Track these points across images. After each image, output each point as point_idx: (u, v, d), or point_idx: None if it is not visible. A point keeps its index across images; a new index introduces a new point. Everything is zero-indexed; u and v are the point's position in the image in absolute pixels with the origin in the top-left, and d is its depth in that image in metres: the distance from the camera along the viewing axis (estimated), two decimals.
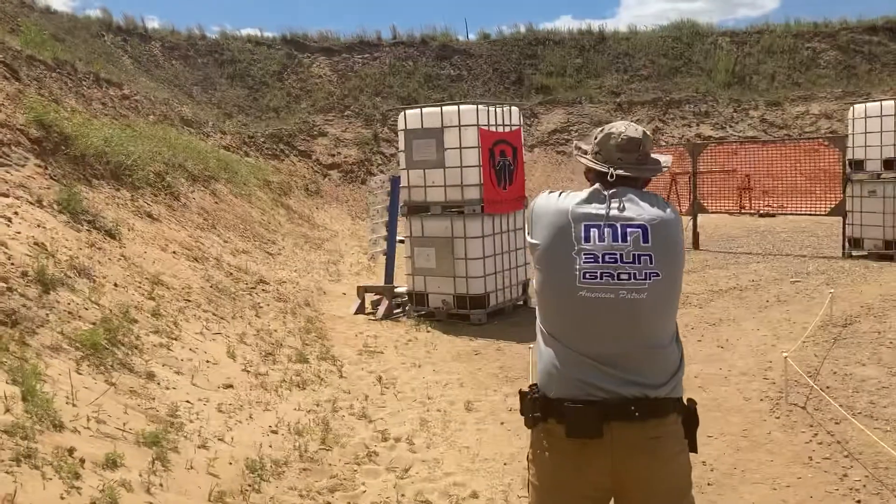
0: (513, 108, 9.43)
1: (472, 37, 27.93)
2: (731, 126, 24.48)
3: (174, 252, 8.33)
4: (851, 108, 12.75)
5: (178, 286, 7.22)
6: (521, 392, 2.47)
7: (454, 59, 26.22)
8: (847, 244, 12.49)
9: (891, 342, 7.12)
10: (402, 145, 9.19)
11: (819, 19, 28.16)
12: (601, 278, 2.26)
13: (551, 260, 2.35)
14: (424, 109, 9.00)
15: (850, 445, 4.81)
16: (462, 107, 8.70)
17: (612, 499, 2.38)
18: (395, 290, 9.33)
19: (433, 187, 8.85)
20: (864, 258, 12.04)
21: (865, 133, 12.05)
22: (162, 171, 11.03)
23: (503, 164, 8.96)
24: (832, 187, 13.91)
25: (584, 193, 2.37)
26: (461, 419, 5.61)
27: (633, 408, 2.24)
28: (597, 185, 2.39)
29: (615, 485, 2.30)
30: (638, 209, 2.31)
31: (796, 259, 12.31)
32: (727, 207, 16.72)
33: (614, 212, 2.30)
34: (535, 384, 2.42)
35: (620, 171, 2.37)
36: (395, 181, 9.87)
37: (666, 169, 2.53)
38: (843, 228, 12.64)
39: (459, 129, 8.60)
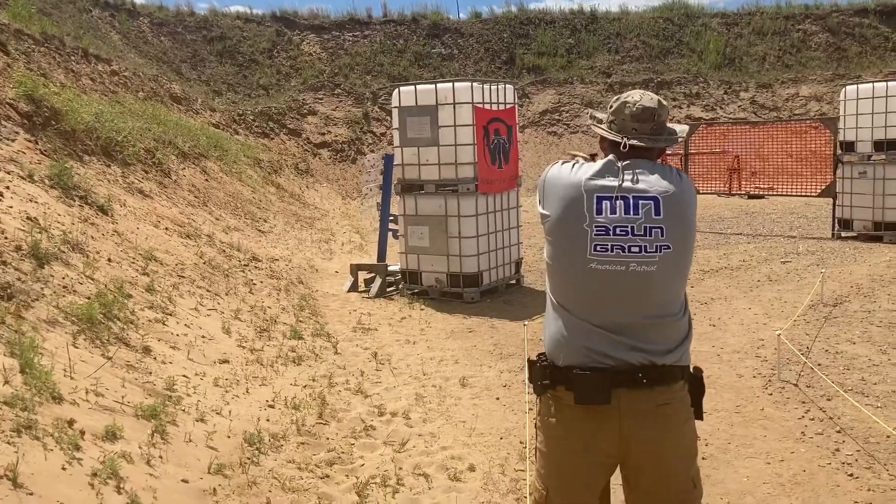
0: (507, 85, 9.39)
1: (463, 16, 27.85)
2: (721, 108, 24.49)
3: (166, 229, 8.29)
4: (843, 89, 12.79)
5: (171, 262, 7.19)
6: (529, 360, 2.50)
7: (445, 37, 26.06)
8: (836, 225, 12.57)
9: (880, 321, 7.19)
10: (395, 123, 9.14)
11: (810, 1, 28.18)
12: (612, 251, 2.27)
13: (562, 231, 2.35)
14: (419, 86, 8.94)
15: (842, 421, 4.87)
16: (457, 84, 8.66)
17: (619, 465, 2.41)
18: (389, 268, 9.32)
19: (427, 165, 8.82)
20: (853, 239, 12.13)
21: (857, 115, 12.09)
22: (152, 148, 10.95)
23: (497, 142, 8.94)
24: (822, 169, 13.98)
25: (598, 165, 2.36)
26: (457, 395, 5.63)
27: (640, 375, 2.26)
28: (610, 157, 2.38)
29: (622, 451, 2.33)
30: (651, 181, 2.30)
31: (786, 240, 12.38)
32: (717, 189, 16.78)
33: (627, 184, 2.29)
34: (544, 353, 2.44)
35: (634, 141, 2.36)
36: (388, 159, 9.84)
37: (681, 139, 2.52)
38: (833, 210, 12.71)
39: (454, 107, 8.56)
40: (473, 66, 25.02)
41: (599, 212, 2.28)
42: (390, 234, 9.84)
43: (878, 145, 11.83)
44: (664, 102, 2.44)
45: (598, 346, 2.29)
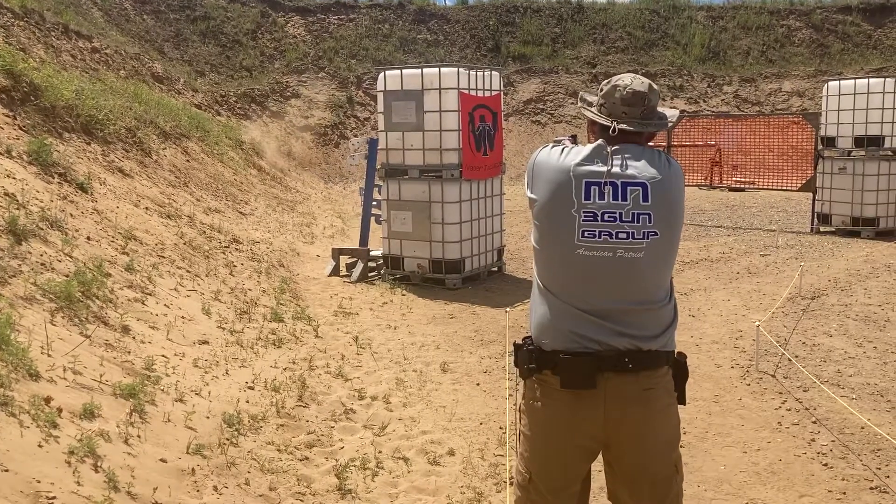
0: (493, 72, 9.36)
1: (449, 2, 27.66)
2: (705, 101, 24.60)
3: (146, 208, 8.20)
4: (826, 85, 12.86)
5: (151, 242, 7.12)
6: (515, 344, 2.49)
7: (431, 23, 25.92)
8: (816, 220, 12.69)
9: (856, 315, 7.28)
10: (380, 107, 9.08)
11: None
12: (599, 237, 2.27)
13: (550, 216, 2.34)
14: (405, 71, 8.89)
15: (818, 412, 4.92)
16: (443, 69, 8.62)
17: (602, 450, 2.42)
18: (371, 253, 9.29)
19: (411, 150, 8.78)
20: (832, 234, 12.25)
21: (838, 110, 12.17)
22: (133, 127, 10.81)
23: (483, 129, 8.91)
24: (802, 164, 14.08)
25: (587, 150, 2.35)
26: (437, 380, 5.64)
27: (626, 359, 2.27)
28: (600, 141, 2.36)
29: (607, 436, 2.34)
30: (639, 166, 2.29)
31: (766, 233, 12.48)
32: (699, 181, 16.88)
33: (616, 169, 2.28)
34: (530, 336, 2.44)
35: (624, 126, 2.34)
36: (372, 143, 9.79)
37: (671, 125, 2.52)
38: (813, 204, 12.83)
39: (440, 92, 8.52)
40: (459, 53, 24.93)
41: (588, 197, 2.28)
42: (373, 218, 9.80)
43: (858, 141, 11.94)
44: (655, 87, 2.42)
45: (585, 330, 2.30)
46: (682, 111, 22.56)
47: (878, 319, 7.10)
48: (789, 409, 5.01)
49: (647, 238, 2.26)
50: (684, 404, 2.46)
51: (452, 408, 5.08)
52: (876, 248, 10.81)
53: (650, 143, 2.46)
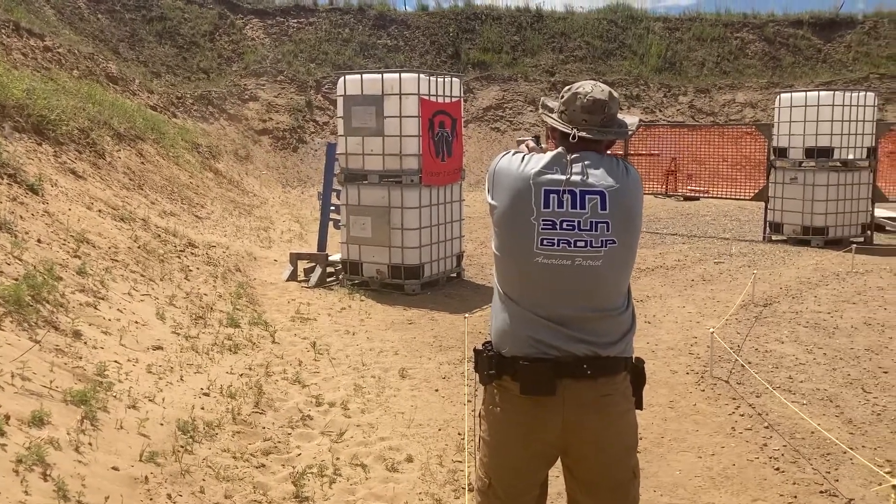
0: (454, 79, 9.38)
1: (409, 8, 27.67)
2: (661, 110, 24.99)
3: (100, 211, 8.04)
4: (778, 96, 13.17)
5: (104, 245, 6.97)
6: (475, 350, 2.49)
7: (391, 29, 25.91)
8: (768, 229, 12.96)
9: (807, 322, 7.44)
10: (340, 111, 9.04)
11: (748, 10, 28.97)
12: (558, 245, 2.28)
13: (510, 224, 2.36)
14: (365, 76, 8.86)
15: (770, 417, 5.02)
16: (404, 75, 8.61)
17: (561, 455, 2.43)
18: (329, 258, 9.23)
19: (371, 155, 8.75)
20: (783, 242, 12.52)
21: (790, 122, 12.46)
22: (86, 128, 10.60)
23: (442, 135, 8.93)
24: (755, 173, 14.37)
25: (547, 158, 2.36)
26: (396, 386, 5.62)
27: (585, 366, 2.28)
28: (560, 149, 2.38)
29: (566, 441, 2.35)
30: (598, 175, 2.31)
31: (720, 241, 12.71)
32: (654, 190, 17.11)
33: (575, 177, 2.30)
34: (490, 342, 2.44)
35: (583, 133, 2.36)
36: (330, 148, 9.74)
37: (632, 133, 2.54)
38: (765, 213, 13.10)
39: (400, 98, 8.51)
40: (419, 59, 24.95)
41: (547, 205, 2.29)
42: (331, 223, 9.74)
43: (809, 152, 12.23)
44: (615, 94, 2.45)
45: (544, 336, 2.31)
46: (639, 120, 22.88)
47: (827, 326, 7.27)
48: (742, 415, 5.10)
49: (605, 246, 2.28)
50: (641, 409, 2.48)
51: (411, 414, 5.06)
52: (825, 257, 11.07)
53: (609, 151, 2.48)
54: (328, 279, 9.14)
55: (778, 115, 12.79)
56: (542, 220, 2.29)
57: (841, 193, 12.26)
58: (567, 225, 2.27)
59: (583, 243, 2.27)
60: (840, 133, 12.07)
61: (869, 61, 26.00)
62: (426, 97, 8.66)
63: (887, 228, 13.56)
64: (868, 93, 12.81)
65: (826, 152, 12.09)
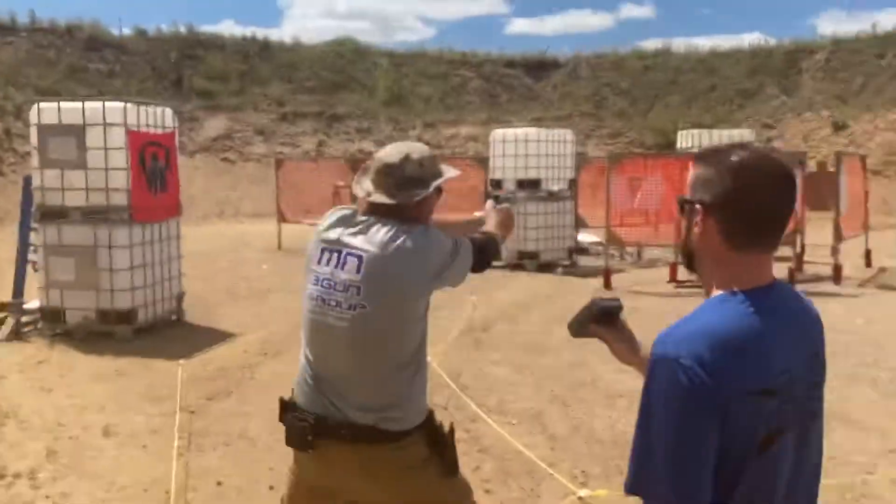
0: (166, 109, 8.88)
1: (126, 31, 26.07)
2: (391, 143, 25.78)
3: None
4: (492, 132, 14.14)
5: None
6: (280, 399, 2.49)
7: (105, 52, 24.24)
8: None
9: (520, 343, 7.95)
10: (34, 141, 8.17)
11: (467, 49, 31.01)
12: (319, 301, 2.33)
13: (306, 276, 2.42)
14: (63, 104, 8.08)
15: (484, 441, 5.22)
16: (108, 104, 7.97)
17: None
18: (24, 305, 8.24)
19: (72, 190, 7.97)
20: (502, 268, 13.35)
21: (503, 156, 13.44)
22: None
23: (155, 167, 8.38)
24: (478, 203, 15.22)
25: (340, 214, 2.41)
26: (97, 446, 5.09)
27: (343, 430, 2.30)
28: (354, 207, 2.42)
29: (341, 499, 2.43)
30: (368, 238, 2.30)
31: None
32: None
33: (347, 238, 2.32)
34: None
35: (372, 199, 2.36)
36: (27, 181, 8.75)
37: (426, 195, 2.41)
38: None
39: (105, 128, 7.86)
40: (139, 85, 23.57)
41: (318, 262, 2.36)
42: (29, 266, 8.73)
43: (521, 183, 13.25)
44: (415, 156, 2.40)
45: (309, 393, 2.38)
46: (371, 152, 23.40)
47: (537, 346, 7.80)
48: (459, 441, 5.24)
49: (355, 310, 2.28)
50: (455, 475, 2.53)
51: (112, 476, 4.60)
52: (536, 280, 11.98)
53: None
54: (24, 329, 8.16)
55: (493, 149, 13.73)
56: (313, 276, 2.36)
57: (549, 221, 13.40)
58: (326, 283, 2.32)
59: (335, 303, 2.30)
60: (546, 166, 13.23)
61: (571, 100, 28.94)
62: (135, 128, 8.09)
63: (590, 252, 15.02)
64: (567, 130, 14.19)
65: (535, 184, 13.17)
